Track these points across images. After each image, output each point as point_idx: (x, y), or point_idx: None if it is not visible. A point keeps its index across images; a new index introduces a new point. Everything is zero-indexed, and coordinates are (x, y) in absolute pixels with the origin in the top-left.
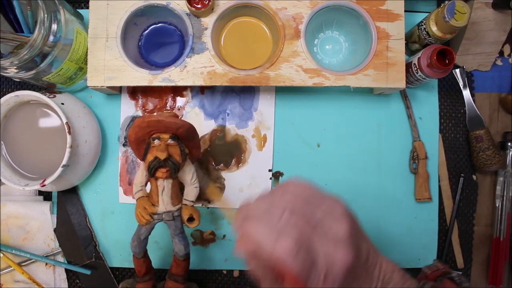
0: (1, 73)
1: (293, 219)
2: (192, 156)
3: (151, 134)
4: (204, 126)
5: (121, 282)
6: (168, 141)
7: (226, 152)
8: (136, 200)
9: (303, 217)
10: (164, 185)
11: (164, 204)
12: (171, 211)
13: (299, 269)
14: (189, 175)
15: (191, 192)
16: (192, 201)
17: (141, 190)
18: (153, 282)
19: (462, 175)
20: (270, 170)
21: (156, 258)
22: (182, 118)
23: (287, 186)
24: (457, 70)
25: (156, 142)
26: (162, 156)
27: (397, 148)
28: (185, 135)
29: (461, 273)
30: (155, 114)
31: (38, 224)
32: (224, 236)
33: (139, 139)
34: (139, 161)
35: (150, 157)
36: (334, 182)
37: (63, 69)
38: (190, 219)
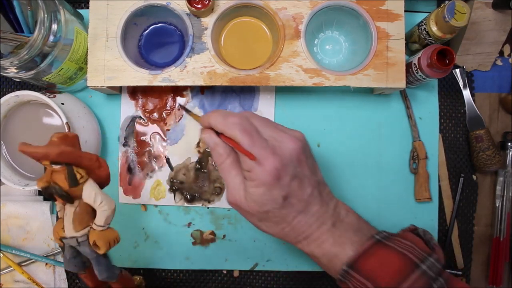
0: (1, 73)
1: (245, 112)
2: (96, 177)
3: (37, 160)
4: None
5: None
6: (52, 167)
7: None
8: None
9: (256, 115)
10: (67, 210)
11: (68, 229)
12: (75, 237)
13: (243, 133)
14: (90, 199)
15: (98, 215)
16: (101, 225)
17: (59, 210)
18: None
19: (462, 175)
20: None
21: (155, 258)
22: (182, 119)
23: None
24: (457, 70)
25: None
26: (39, 185)
27: (397, 148)
28: (63, 160)
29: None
30: (53, 133)
31: (38, 224)
32: (224, 236)
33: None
34: (139, 161)
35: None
36: (334, 182)
37: (63, 69)
38: (96, 245)
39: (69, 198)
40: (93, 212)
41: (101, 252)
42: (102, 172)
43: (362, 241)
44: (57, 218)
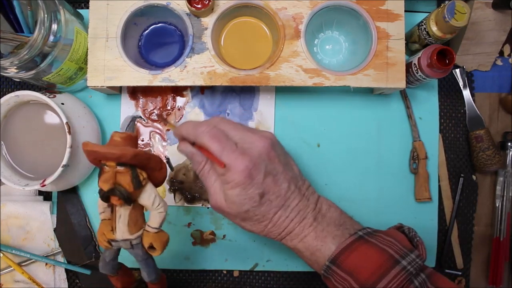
0: (1, 73)
1: (213, 120)
2: (154, 179)
3: (99, 160)
4: None
5: None
6: (117, 168)
7: None
8: (100, 222)
9: (226, 120)
10: (121, 212)
11: (121, 232)
12: (129, 239)
13: (211, 140)
14: (149, 201)
15: (154, 217)
16: (156, 228)
17: (103, 212)
18: None
19: (462, 175)
20: None
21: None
22: (183, 119)
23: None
24: (457, 70)
25: (106, 168)
26: (105, 187)
27: (397, 148)
28: (134, 162)
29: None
30: (113, 132)
31: (38, 224)
32: (224, 236)
33: (93, 162)
34: None
35: (99, 185)
36: (334, 182)
37: (63, 69)
38: (152, 248)
39: (131, 200)
40: (143, 215)
41: (157, 254)
42: (162, 174)
43: (344, 236)
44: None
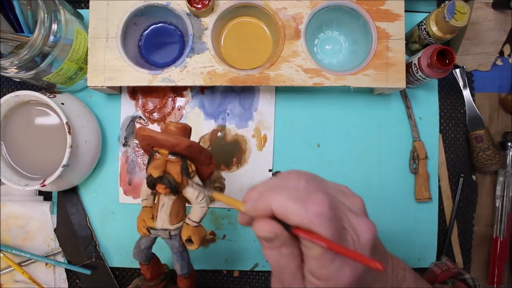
0: (1, 73)
1: (311, 186)
2: (201, 174)
3: (152, 146)
4: (204, 126)
5: (121, 282)
6: (168, 157)
7: (226, 152)
8: (141, 208)
9: (319, 184)
10: (165, 201)
11: (162, 220)
12: (168, 229)
13: (335, 233)
14: (193, 194)
15: (195, 211)
16: (196, 222)
17: (146, 199)
18: (160, 286)
19: (462, 175)
20: (270, 170)
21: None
22: (183, 119)
23: (288, 171)
24: (457, 70)
25: (157, 155)
26: (155, 173)
27: (397, 148)
28: (186, 153)
29: (473, 276)
30: (169, 122)
31: (38, 224)
32: (224, 236)
33: (144, 148)
34: (139, 161)
35: (148, 171)
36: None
37: (63, 69)
38: (189, 241)
39: (177, 190)
40: (185, 207)
41: (194, 247)
42: (210, 169)
43: None
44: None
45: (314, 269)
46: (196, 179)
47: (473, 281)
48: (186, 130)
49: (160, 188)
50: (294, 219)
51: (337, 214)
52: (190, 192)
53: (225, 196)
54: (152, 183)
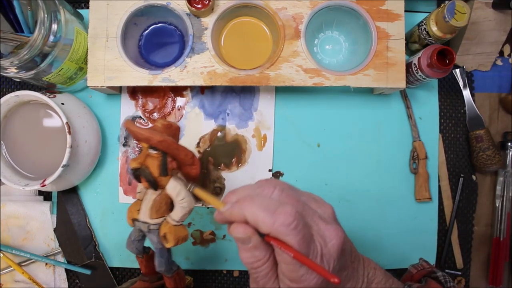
0: (1, 73)
1: (284, 195)
2: (185, 173)
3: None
4: (204, 126)
5: (120, 282)
6: (149, 151)
7: (226, 152)
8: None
9: (292, 194)
10: (148, 196)
11: (143, 213)
12: (148, 223)
13: (301, 242)
14: (174, 192)
15: (176, 210)
16: (175, 220)
17: (140, 192)
18: (155, 284)
19: (462, 175)
20: (270, 170)
21: None
22: (183, 119)
23: (266, 180)
24: (457, 70)
25: (142, 150)
26: (132, 164)
27: (397, 148)
28: (161, 148)
29: (446, 273)
30: (158, 119)
31: (38, 224)
32: (224, 236)
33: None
34: None
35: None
36: (334, 182)
37: (63, 69)
38: (165, 238)
39: (155, 185)
40: (171, 205)
41: (168, 246)
42: (193, 170)
43: None
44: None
45: (285, 272)
46: (178, 177)
47: (444, 278)
48: (171, 128)
49: (143, 181)
50: (264, 228)
51: (306, 222)
52: (171, 189)
53: (207, 194)
54: (134, 174)
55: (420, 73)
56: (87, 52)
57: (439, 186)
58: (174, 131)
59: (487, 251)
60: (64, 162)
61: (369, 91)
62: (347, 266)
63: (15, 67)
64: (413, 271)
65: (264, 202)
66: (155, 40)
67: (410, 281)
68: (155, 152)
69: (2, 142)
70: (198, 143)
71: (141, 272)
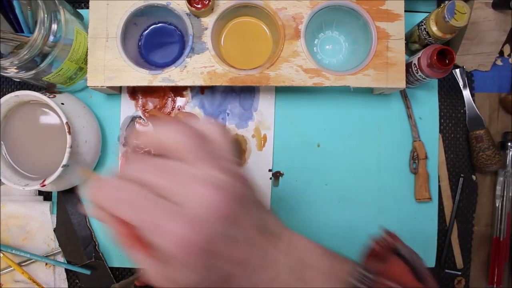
0: (1, 73)
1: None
2: None
3: None
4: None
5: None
6: None
7: None
8: None
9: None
10: None
11: None
12: None
13: (129, 213)
14: None
15: None
16: None
17: None
18: None
19: (462, 175)
20: (270, 170)
21: None
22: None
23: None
24: (457, 70)
25: None
26: None
27: (397, 148)
28: None
29: (411, 249)
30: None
31: (38, 224)
32: None
33: None
34: None
35: None
36: (334, 182)
37: (63, 69)
38: None
39: None
40: None
41: None
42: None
43: None
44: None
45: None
46: None
47: (411, 256)
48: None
49: None
50: (104, 206)
51: (139, 191)
52: None
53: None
54: None
55: (420, 73)
56: (87, 52)
57: (439, 186)
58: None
59: (487, 251)
60: (64, 162)
61: (369, 91)
62: (235, 236)
63: (15, 67)
64: (376, 248)
65: (97, 185)
66: (155, 40)
67: (373, 259)
68: None
69: (2, 142)
70: None
71: None
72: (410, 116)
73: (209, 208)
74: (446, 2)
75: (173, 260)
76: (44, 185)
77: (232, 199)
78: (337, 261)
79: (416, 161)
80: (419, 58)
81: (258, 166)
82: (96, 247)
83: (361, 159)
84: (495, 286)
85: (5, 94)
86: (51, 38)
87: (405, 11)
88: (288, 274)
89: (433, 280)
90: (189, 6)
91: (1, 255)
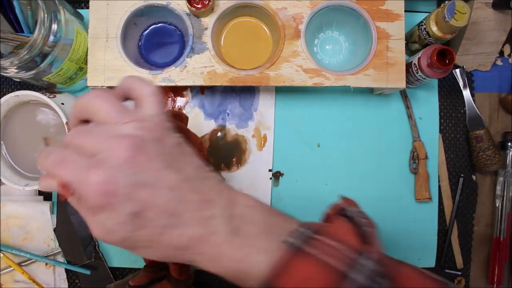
0: (1, 73)
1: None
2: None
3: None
4: (204, 126)
5: None
6: None
7: (226, 152)
8: None
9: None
10: None
11: None
12: None
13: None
14: None
15: None
16: None
17: None
18: (159, 274)
19: (462, 175)
20: (270, 170)
21: None
22: None
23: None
24: (457, 70)
25: None
26: None
27: (397, 148)
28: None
29: (362, 211)
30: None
31: (38, 224)
32: None
33: None
34: None
35: None
36: (334, 182)
37: (63, 69)
38: None
39: None
40: None
41: None
42: (200, 156)
43: (277, 249)
44: None
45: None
46: None
47: (360, 214)
48: (181, 117)
49: None
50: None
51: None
52: None
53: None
54: None
55: (420, 73)
56: (87, 52)
57: (439, 186)
58: (185, 121)
59: (487, 251)
60: None
61: (369, 91)
62: (153, 183)
63: (15, 67)
64: (329, 212)
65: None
66: (155, 40)
67: (325, 222)
68: None
69: (2, 142)
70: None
71: (145, 263)
72: (410, 116)
73: (120, 158)
74: (446, 2)
75: (98, 208)
76: None
77: (140, 150)
78: (281, 219)
79: (416, 161)
80: (419, 58)
81: (258, 166)
82: (96, 247)
83: (361, 159)
84: (495, 286)
85: (5, 94)
86: (51, 38)
87: (405, 11)
88: (224, 226)
89: (377, 240)
90: (189, 6)
91: (1, 255)
